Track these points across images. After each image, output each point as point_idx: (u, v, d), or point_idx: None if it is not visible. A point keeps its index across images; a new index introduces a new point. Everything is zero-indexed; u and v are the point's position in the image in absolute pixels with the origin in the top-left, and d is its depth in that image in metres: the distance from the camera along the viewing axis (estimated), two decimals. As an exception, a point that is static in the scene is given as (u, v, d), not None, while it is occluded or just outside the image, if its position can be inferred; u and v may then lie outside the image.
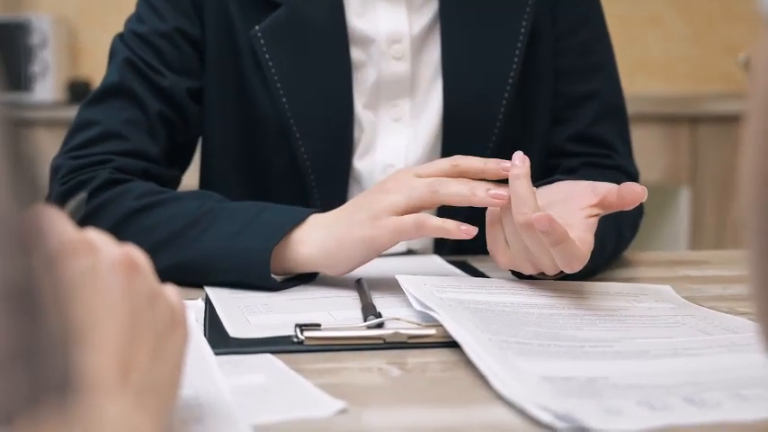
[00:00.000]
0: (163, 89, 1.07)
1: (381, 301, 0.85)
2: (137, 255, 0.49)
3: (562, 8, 1.14)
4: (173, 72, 1.08)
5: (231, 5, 1.08)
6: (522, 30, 1.09)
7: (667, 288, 0.90)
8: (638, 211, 1.10)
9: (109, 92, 1.07)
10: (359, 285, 0.89)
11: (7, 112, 0.28)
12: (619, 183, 1.00)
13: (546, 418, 0.55)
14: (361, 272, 0.93)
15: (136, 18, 1.11)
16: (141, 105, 1.06)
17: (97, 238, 0.48)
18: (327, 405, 0.59)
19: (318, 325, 0.74)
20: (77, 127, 1.07)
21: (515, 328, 0.73)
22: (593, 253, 0.84)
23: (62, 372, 0.27)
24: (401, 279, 0.85)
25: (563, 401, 0.57)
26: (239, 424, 0.55)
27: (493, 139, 1.10)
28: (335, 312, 0.82)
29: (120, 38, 1.11)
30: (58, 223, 0.47)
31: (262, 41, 1.06)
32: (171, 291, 0.52)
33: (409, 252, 1.13)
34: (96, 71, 3.04)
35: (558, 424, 0.54)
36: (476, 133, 1.10)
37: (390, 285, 0.88)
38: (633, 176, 1.14)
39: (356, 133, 1.09)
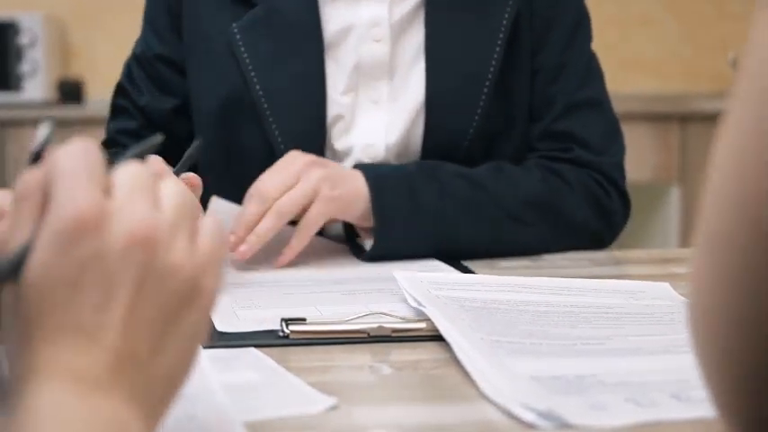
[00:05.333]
0: (141, 107, 1.22)
1: (377, 296, 0.86)
2: (154, 221, 0.44)
3: (536, 8, 1.17)
4: (154, 91, 1.22)
5: (203, 7, 1.17)
6: (505, 21, 1.13)
7: (665, 285, 0.90)
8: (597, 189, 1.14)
9: (112, 107, 1.26)
10: None
11: None
12: (568, 175, 1.13)
13: (528, 417, 0.55)
14: (362, 268, 0.97)
15: (139, 38, 1.25)
16: (131, 117, 1.23)
17: (110, 204, 0.43)
18: (318, 402, 0.59)
19: (304, 319, 0.75)
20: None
21: (508, 327, 0.73)
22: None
23: None
24: (398, 276, 0.86)
25: (548, 399, 0.57)
26: (233, 421, 0.55)
27: (473, 125, 1.13)
28: (323, 307, 0.83)
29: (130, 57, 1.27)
30: (71, 190, 0.43)
31: (238, 37, 1.13)
32: (205, 241, 0.46)
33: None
34: (87, 71, 3.03)
35: (540, 423, 0.54)
36: (457, 118, 1.13)
37: (387, 280, 0.89)
38: (600, 169, 1.15)
39: (332, 114, 1.13)
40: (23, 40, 2.75)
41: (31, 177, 0.44)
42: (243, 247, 0.98)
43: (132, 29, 2.89)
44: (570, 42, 1.18)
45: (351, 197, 1.03)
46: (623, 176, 1.18)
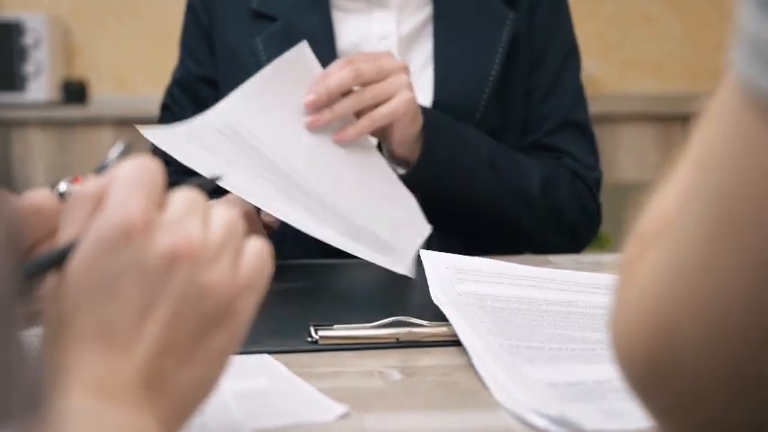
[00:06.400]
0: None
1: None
2: (199, 238, 0.45)
3: (534, 36, 1.28)
4: (196, 111, 1.27)
5: (230, 26, 1.27)
6: (504, 35, 1.24)
7: None
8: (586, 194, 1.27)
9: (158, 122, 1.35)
10: None
11: None
12: (564, 176, 1.24)
13: (541, 423, 0.55)
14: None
15: (177, 65, 1.34)
16: None
17: (161, 217, 0.45)
18: (329, 409, 0.59)
19: (331, 325, 0.75)
20: None
21: (529, 331, 0.73)
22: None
23: (33, 388, 0.26)
24: (425, 257, 0.86)
25: (561, 405, 0.57)
26: (242, 429, 0.55)
27: (474, 125, 1.21)
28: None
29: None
30: (124, 199, 0.44)
31: (261, 48, 1.24)
32: (243, 271, 0.47)
33: None
34: (91, 71, 3.04)
35: (554, 429, 0.54)
36: (460, 120, 1.20)
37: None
38: (585, 179, 1.27)
39: None
40: (28, 40, 2.76)
41: (90, 183, 0.46)
42: (308, 95, 1.03)
43: (135, 29, 2.89)
44: (563, 68, 1.30)
45: (418, 111, 1.09)
46: (599, 192, 1.31)
